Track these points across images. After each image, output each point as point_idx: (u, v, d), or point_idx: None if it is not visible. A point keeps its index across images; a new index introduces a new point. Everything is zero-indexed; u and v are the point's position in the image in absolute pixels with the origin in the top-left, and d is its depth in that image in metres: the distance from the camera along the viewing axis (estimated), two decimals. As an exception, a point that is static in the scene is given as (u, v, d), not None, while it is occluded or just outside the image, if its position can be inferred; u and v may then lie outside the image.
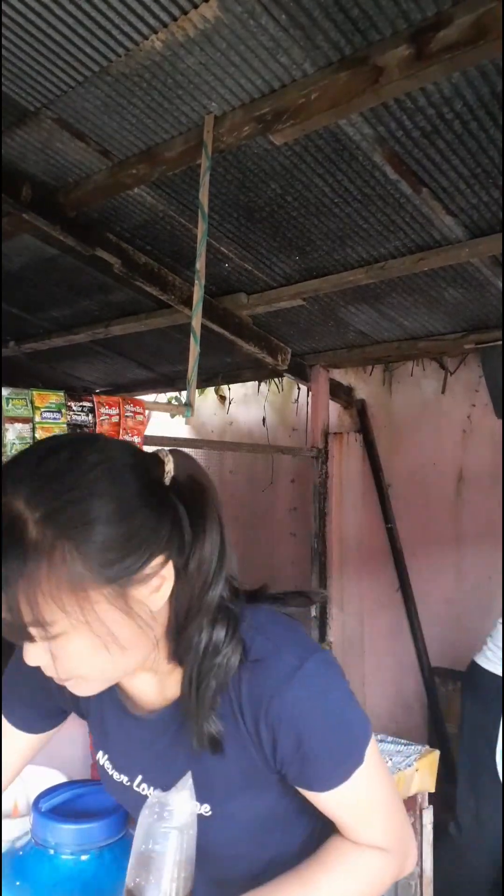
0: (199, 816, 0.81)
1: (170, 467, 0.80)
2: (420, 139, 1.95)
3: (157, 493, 0.78)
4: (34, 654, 0.76)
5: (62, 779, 1.57)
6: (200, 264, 2.15)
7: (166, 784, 0.82)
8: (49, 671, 0.77)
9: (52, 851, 1.01)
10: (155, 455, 0.82)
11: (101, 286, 3.29)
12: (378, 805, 0.87)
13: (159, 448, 0.84)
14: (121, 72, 1.86)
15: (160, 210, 2.54)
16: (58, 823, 1.01)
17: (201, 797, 0.83)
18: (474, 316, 3.02)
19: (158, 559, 0.76)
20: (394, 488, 3.80)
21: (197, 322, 2.18)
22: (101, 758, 0.97)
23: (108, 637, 0.73)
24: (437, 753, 2.16)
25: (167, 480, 0.80)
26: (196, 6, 1.61)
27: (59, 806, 1.07)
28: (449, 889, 2.17)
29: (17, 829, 1.13)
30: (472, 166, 2.04)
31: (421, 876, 2.06)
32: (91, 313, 3.69)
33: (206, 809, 0.85)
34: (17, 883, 0.99)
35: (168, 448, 0.84)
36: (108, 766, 0.96)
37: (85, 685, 0.79)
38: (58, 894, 0.98)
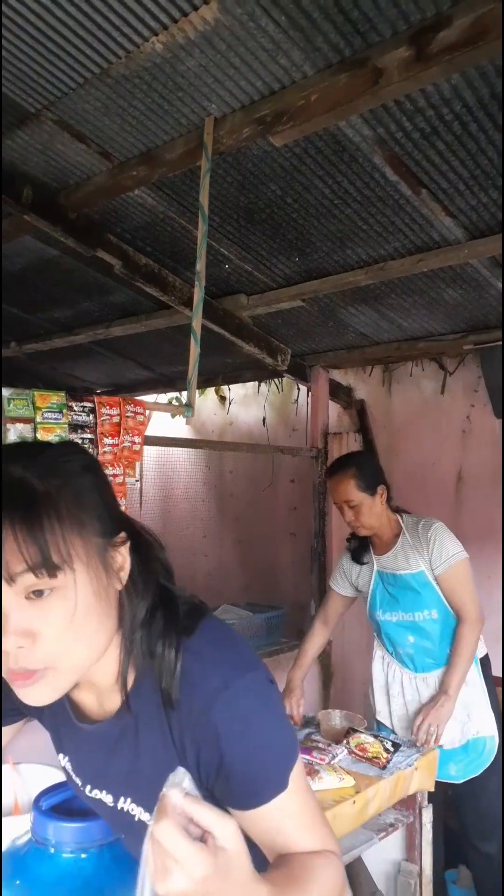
0: (143, 825, 0.82)
1: None
2: (420, 140, 1.95)
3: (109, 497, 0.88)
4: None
5: (62, 777, 1.57)
6: (201, 265, 2.16)
7: (113, 792, 0.91)
8: (21, 660, 0.76)
9: (52, 850, 1.01)
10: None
11: (102, 287, 3.30)
12: (308, 816, 0.87)
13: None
14: (121, 74, 1.87)
15: (161, 211, 2.55)
16: (58, 822, 1.02)
17: (145, 805, 0.88)
18: (473, 316, 3.03)
19: (123, 537, 0.85)
20: (393, 488, 3.80)
21: (197, 323, 2.18)
22: (63, 760, 1.01)
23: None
24: (436, 753, 2.17)
25: None
26: (196, 8, 1.62)
27: (60, 804, 1.07)
28: None
29: (18, 828, 1.13)
30: (471, 167, 2.04)
31: (420, 875, 2.07)
32: (92, 314, 3.70)
33: (148, 818, 0.87)
34: (17, 882, 1.00)
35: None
36: (69, 767, 1.01)
37: (52, 681, 0.79)
38: (58, 893, 0.98)
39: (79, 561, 0.77)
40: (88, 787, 0.96)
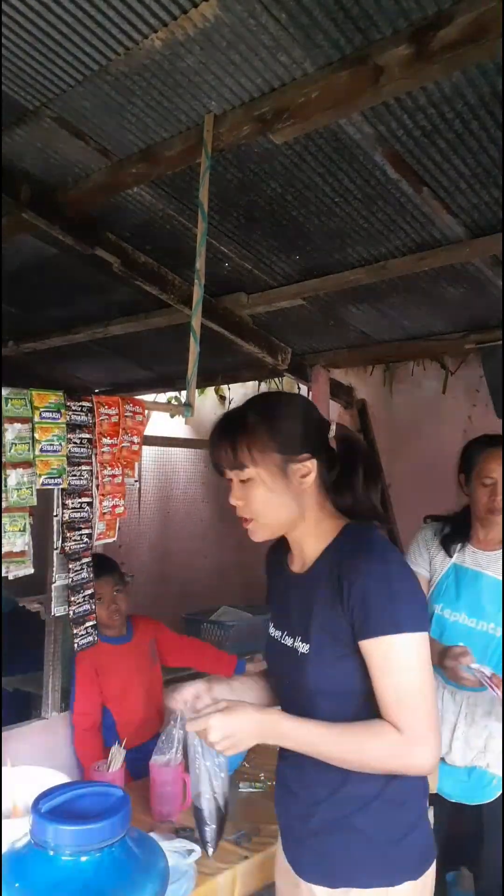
0: (300, 654, 1.25)
1: (332, 431, 1.33)
2: (421, 138, 1.94)
3: (319, 433, 1.30)
4: (234, 498, 1.28)
5: (62, 779, 1.56)
6: (200, 264, 2.15)
7: (296, 624, 1.28)
8: (241, 511, 1.29)
9: (51, 852, 1.00)
10: (327, 422, 1.34)
11: (101, 286, 3.29)
12: (405, 687, 1.15)
13: (335, 422, 1.34)
14: (120, 71, 1.86)
15: (160, 209, 2.54)
16: (57, 824, 1.01)
17: (304, 639, 1.25)
18: (475, 315, 3.02)
19: (309, 458, 1.26)
20: (394, 488, 3.79)
21: (197, 322, 2.17)
22: (271, 629, 1.38)
23: (274, 486, 1.24)
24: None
25: (331, 435, 1.33)
26: (196, 5, 1.61)
27: (59, 807, 1.06)
28: None
29: (17, 831, 1.12)
30: (472, 165, 2.03)
31: (421, 877, 2.06)
32: (90, 313, 3.69)
33: (305, 648, 1.24)
34: (17, 884, 0.99)
35: (339, 424, 1.34)
36: (272, 630, 1.38)
37: (258, 530, 1.29)
38: (57, 895, 0.97)
39: (257, 466, 1.24)
40: (281, 634, 1.33)
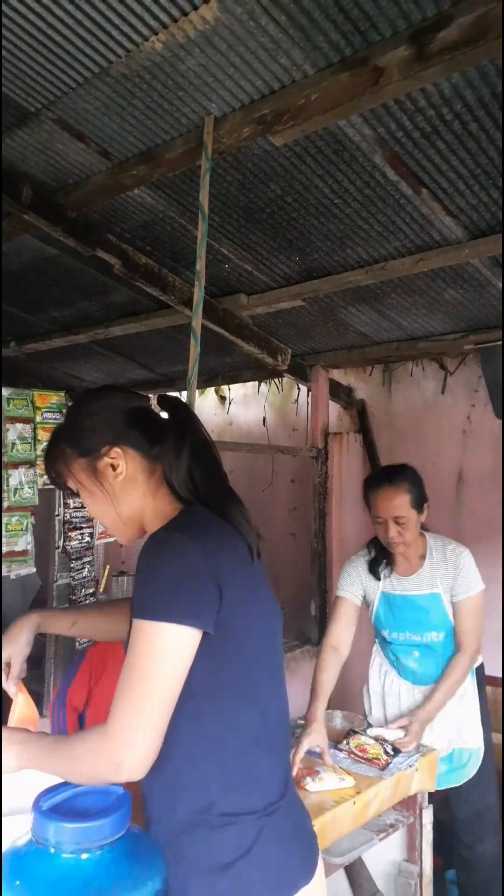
0: None
1: (153, 404, 1.27)
2: (420, 140, 1.95)
3: (121, 417, 1.21)
4: (85, 508, 1.38)
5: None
6: (200, 265, 2.16)
7: None
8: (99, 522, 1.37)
9: (52, 850, 1.00)
10: (145, 397, 1.28)
11: (102, 287, 3.30)
12: (125, 676, 1.03)
13: (157, 395, 1.28)
14: (121, 73, 1.86)
15: (160, 211, 2.54)
16: (58, 822, 1.01)
17: None
18: (474, 316, 3.03)
19: (107, 448, 1.19)
20: (394, 488, 3.80)
21: (197, 322, 2.18)
22: None
23: (92, 489, 1.20)
24: (437, 753, 2.17)
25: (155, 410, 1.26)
26: (196, 7, 1.61)
27: (60, 805, 1.06)
28: None
29: (18, 828, 1.13)
30: (471, 167, 2.04)
31: (420, 876, 2.07)
32: (91, 314, 3.69)
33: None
34: (17, 882, 0.99)
35: (163, 395, 1.26)
36: None
37: (112, 534, 1.31)
38: (58, 893, 0.98)
39: (71, 476, 1.23)
40: None
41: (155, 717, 1.01)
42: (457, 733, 2.25)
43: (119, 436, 1.19)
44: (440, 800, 2.34)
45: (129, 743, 1.00)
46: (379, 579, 2.32)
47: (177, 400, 1.26)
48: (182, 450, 1.17)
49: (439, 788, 2.20)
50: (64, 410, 2.05)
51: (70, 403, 1.37)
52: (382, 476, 2.28)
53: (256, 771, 1.11)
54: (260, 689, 1.14)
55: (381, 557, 2.32)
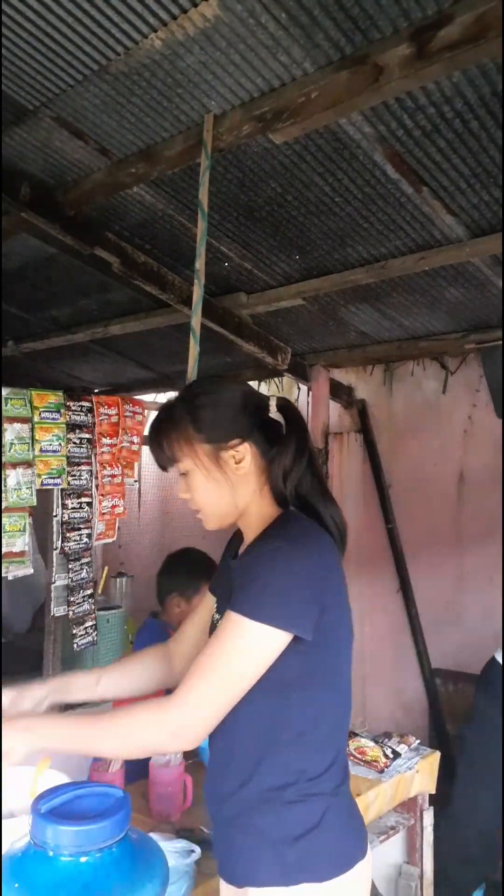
0: None
1: (273, 407, 1.27)
2: (421, 138, 1.94)
3: (251, 413, 1.24)
4: (181, 491, 1.27)
5: (62, 779, 1.56)
6: (200, 263, 2.15)
7: (223, 606, 1.25)
8: (189, 503, 1.27)
9: (51, 853, 1.00)
10: (266, 398, 1.28)
11: (101, 285, 3.29)
12: (209, 659, 1.12)
13: (274, 396, 1.28)
14: (120, 70, 1.86)
15: (159, 209, 2.53)
16: (57, 825, 1.00)
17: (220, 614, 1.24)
18: (475, 315, 3.02)
19: (242, 442, 1.22)
20: (394, 488, 3.79)
21: (197, 321, 2.17)
22: (215, 615, 1.34)
23: (210, 477, 1.22)
24: (437, 755, 2.16)
25: (272, 412, 1.26)
26: (196, 5, 1.61)
27: (59, 807, 1.06)
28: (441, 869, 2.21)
29: (17, 831, 1.12)
30: (472, 165, 2.03)
31: (421, 877, 2.06)
32: (90, 312, 3.68)
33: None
34: (16, 885, 0.99)
35: (281, 397, 1.28)
36: (216, 617, 1.33)
37: (206, 520, 1.28)
38: (57, 896, 0.97)
39: (189, 459, 1.22)
40: (216, 613, 1.33)
41: (219, 707, 1.10)
42: None
43: (248, 431, 1.24)
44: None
45: (192, 719, 1.09)
46: None
47: (293, 405, 1.29)
48: (301, 457, 1.22)
49: None
50: (62, 410, 2.04)
51: (194, 385, 1.34)
52: None
53: (332, 757, 1.20)
54: (343, 680, 1.25)
55: None
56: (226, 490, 1.24)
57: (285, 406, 1.27)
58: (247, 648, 1.09)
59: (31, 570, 1.98)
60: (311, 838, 1.15)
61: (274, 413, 1.26)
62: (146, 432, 2.39)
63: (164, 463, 1.28)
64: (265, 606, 1.09)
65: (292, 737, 1.17)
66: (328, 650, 1.18)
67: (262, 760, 1.17)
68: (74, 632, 2.16)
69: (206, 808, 1.31)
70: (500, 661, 2.42)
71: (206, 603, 1.47)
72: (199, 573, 2.24)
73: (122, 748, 1.16)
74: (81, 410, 2.11)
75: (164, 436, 1.25)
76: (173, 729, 1.09)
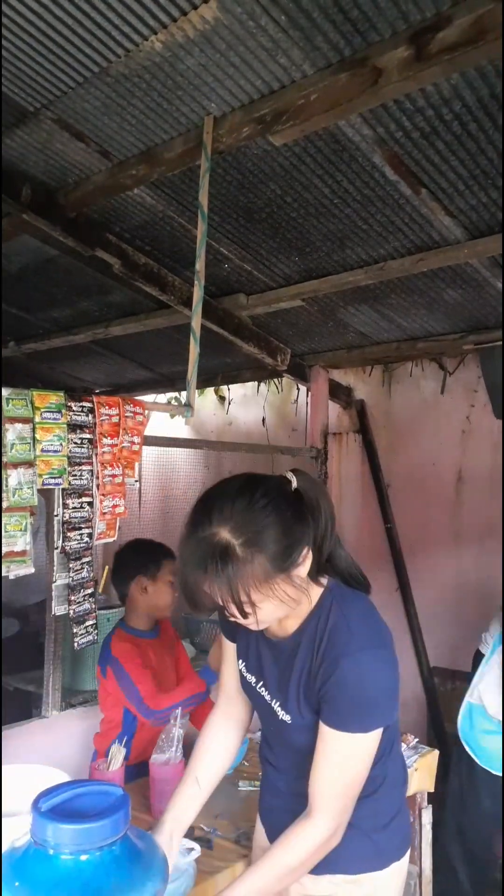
0: (282, 720, 1.29)
1: (294, 482, 1.22)
2: (419, 140, 1.95)
3: (298, 507, 1.18)
4: (233, 615, 1.17)
5: (63, 778, 1.57)
6: (200, 265, 2.16)
7: (274, 689, 1.31)
8: (252, 626, 1.21)
9: (51, 851, 1.00)
10: (284, 477, 1.24)
11: (101, 287, 3.29)
12: (342, 778, 1.21)
13: (286, 472, 1.24)
14: (121, 72, 1.86)
15: (160, 211, 2.54)
16: (57, 823, 1.01)
17: (284, 707, 1.28)
18: (473, 316, 3.03)
19: (305, 549, 1.18)
20: (393, 488, 3.80)
21: (197, 322, 2.18)
22: (240, 664, 1.40)
23: (285, 600, 1.16)
24: (436, 753, 2.17)
25: (293, 489, 1.21)
26: (196, 7, 1.61)
27: (59, 806, 1.06)
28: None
29: (17, 829, 1.13)
30: (471, 167, 2.04)
31: (420, 876, 2.07)
32: (91, 314, 3.69)
33: (287, 718, 1.28)
34: (17, 883, 0.99)
35: (291, 469, 1.25)
36: (243, 669, 1.39)
37: (262, 626, 1.22)
38: (57, 895, 0.98)
39: (268, 599, 1.15)
40: (256, 682, 1.36)
41: (352, 805, 1.23)
42: None
43: (307, 531, 1.17)
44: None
45: (341, 825, 1.22)
46: None
47: (307, 475, 1.25)
48: (331, 525, 1.23)
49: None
50: (63, 411, 2.05)
51: (246, 515, 1.12)
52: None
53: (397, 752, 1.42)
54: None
55: None
56: (291, 601, 1.18)
57: (303, 478, 1.23)
58: (369, 756, 1.22)
59: (33, 570, 1.99)
60: (397, 822, 1.35)
61: (294, 484, 1.22)
62: (146, 432, 2.40)
63: (233, 611, 1.15)
64: (374, 716, 1.20)
65: (384, 749, 1.29)
66: None
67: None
68: (75, 630, 2.16)
69: (265, 818, 1.46)
70: (483, 652, 2.46)
71: (231, 651, 1.46)
72: (156, 553, 2.32)
73: (306, 871, 1.25)
74: (82, 411, 2.12)
75: (232, 587, 1.10)
76: (331, 839, 1.21)
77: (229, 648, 1.47)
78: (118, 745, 1.95)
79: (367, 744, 1.21)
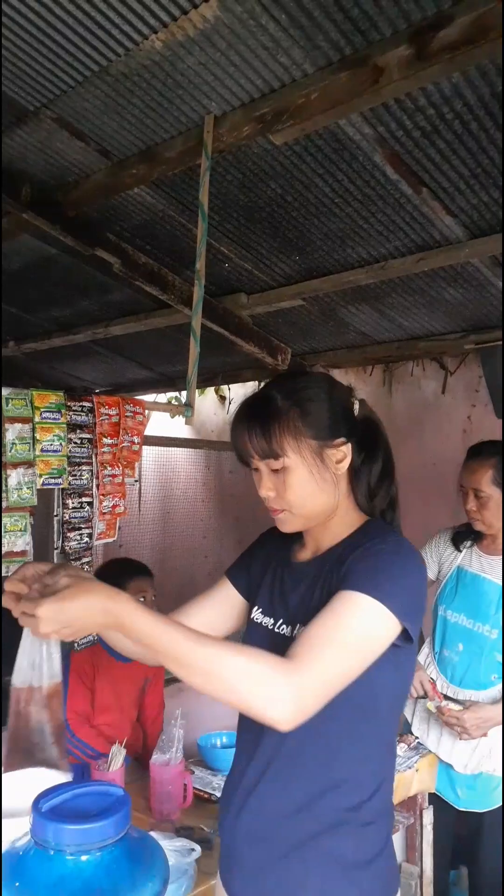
0: (284, 636, 1.18)
1: (356, 409, 1.26)
2: (420, 139, 1.94)
3: (350, 414, 1.23)
4: (265, 489, 1.18)
5: (63, 779, 1.57)
6: (200, 264, 2.15)
7: (295, 614, 1.18)
8: (272, 502, 1.19)
9: (52, 852, 1.00)
10: (351, 391, 1.29)
11: (101, 286, 3.29)
12: (330, 633, 1.03)
13: (358, 399, 1.28)
14: (121, 71, 1.86)
15: (160, 210, 2.54)
16: (58, 824, 1.01)
17: (305, 624, 1.08)
18: (474, 316, 3.02)
19: (346, 443, 1.19)
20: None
21: (197, 322, 2.17)
22: (255, 612, 1.28)
23: (314, 471, 1.15)
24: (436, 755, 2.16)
25: (355, 412, 1.25)
26: (196, 6, 1.61)
27: (60, 806, 1.06)
28: None
29: (17, 830, 1.13)
30: (472, 166, 2.04)
31: (421, 876, 2.07)
32: (91, 313, 3.69)
33: (287, 631, 1.18)
34: (17, 884, 0.99)
35: (360, 398, 1.28)
36: (258, 616, 1.27)
37: (290, 521, 1.20)
38: (58, 894, 0.98)
39: (293, 454, 1.14)
40: (275, 622, 1.22)
41: (335, 684, 1.02)
42: (487, 755, 2.12)
43: (350, 434, 1.21)
44: (453, 814, 2.25)
45: (313, 686, 0.99)
46: (460, 551, 2.28)
47: (375, 417, 1.30)
48: (390, 470, 1.29)
49: (461, 808, 2.15)
50: (63, 410, 2.04)
51: (298, 379, 1.23)
52: (477, 447, 2.24)
53: (393, 775, 1.22)
54: None
55: (469, 531, 2.27)
56: (326, 489, 1.18)
57: (369, 417, 1.28)
58: (367, 627, 1.04)
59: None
60: (380, 862, 1.13)
61: (357, 413, 1.26)
62: (146, 432, 2.40)
63: (257, 456, 1.17)
64: (394, 592, 1.06)
65: (380, 750, 1.16)
66: (412, 660, 1.19)
67: (345, 776, 1.12)
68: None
69: (232, 821, 1.19)
70: None
71: (222, 586, 1.38)
72: (123, 575, 2.25)
73: (227, 682, 0.97)
74: (82, 410, 2.12)
75: (263, 428, 1.14)
76: (294, 691, 0.97)
77: (218, 590, 1.36)
78: (118, 746, 1.95)
79: (374, 616, 1.04)
